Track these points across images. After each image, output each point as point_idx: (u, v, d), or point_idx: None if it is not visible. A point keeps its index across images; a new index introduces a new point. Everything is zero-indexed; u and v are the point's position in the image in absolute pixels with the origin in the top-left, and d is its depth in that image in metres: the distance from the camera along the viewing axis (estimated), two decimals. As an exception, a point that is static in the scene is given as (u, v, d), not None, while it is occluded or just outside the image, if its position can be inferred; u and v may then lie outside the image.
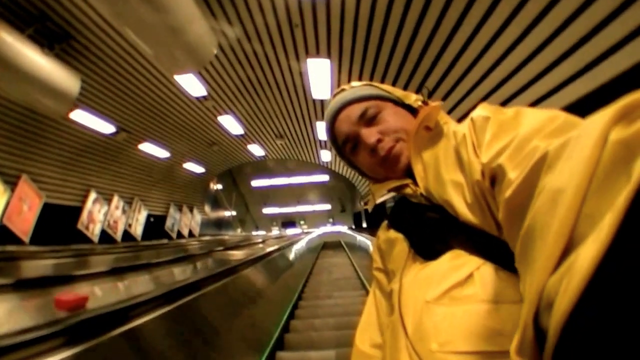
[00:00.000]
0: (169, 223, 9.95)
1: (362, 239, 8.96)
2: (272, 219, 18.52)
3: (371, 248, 1.20)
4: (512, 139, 0.38)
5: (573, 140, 0.24)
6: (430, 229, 0.50)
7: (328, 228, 17.91)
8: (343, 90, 0.65)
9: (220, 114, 7.31)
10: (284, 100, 6.97)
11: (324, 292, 4.63)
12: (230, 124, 7.85)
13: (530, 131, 0.36)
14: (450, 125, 0.55)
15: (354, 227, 16.05)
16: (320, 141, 9.29)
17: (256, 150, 10.14)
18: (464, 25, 3.42)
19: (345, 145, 0.63)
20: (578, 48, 2.51)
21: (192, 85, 5.89)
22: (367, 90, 0.63)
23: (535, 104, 3.10)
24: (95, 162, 6.85)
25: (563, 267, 0.19)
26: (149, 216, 9.28)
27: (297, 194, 16.67)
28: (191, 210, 11.11)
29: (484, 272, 0.42)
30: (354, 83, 0.67)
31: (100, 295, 2.75)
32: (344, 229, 15.93)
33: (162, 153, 8.00)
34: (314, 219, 18.09)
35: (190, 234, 11.06)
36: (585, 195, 0.20)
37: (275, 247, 5.32)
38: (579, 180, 0.20)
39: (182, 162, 9.13)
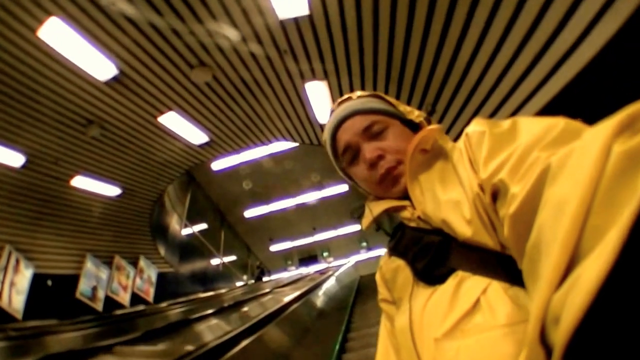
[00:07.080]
0: (84, 287, 6.22)
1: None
2: (286, 256, 14.16)
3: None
4: (511, 152, 0.37)
5: (576, 151, 0.23)
6: (430, 253, 0.48)
7: (363, 255, 13.12)
8: (349, 98, 0.65)
9: (51, 14, 3.12)
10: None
11: None
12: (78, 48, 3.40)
13: (529, 142, 0.35)
14: (446, 144, 0.55)
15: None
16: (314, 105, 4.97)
17: (180, 125, 4.94)
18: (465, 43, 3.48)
19: (345, 154, 0.62)
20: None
21: None
22: (375, 103, 0.63)
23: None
24: None
25: (568, 281, 0.19)
26: (40, 278, 5.67)
27: (310, 217, 12.29)
28: (134, 264, 7.36)
29: (490, 295, 0.39)
30: (360, 92, 0.66)
31: None
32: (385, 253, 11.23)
33: (4, 154, 4.36)
34: (340, 247, 13.42)
35: (138, 300, 7.18)
36: (590, 207, 0.19)
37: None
38: (582, 191, 0.20)
39: (62, 175, 5.27)
